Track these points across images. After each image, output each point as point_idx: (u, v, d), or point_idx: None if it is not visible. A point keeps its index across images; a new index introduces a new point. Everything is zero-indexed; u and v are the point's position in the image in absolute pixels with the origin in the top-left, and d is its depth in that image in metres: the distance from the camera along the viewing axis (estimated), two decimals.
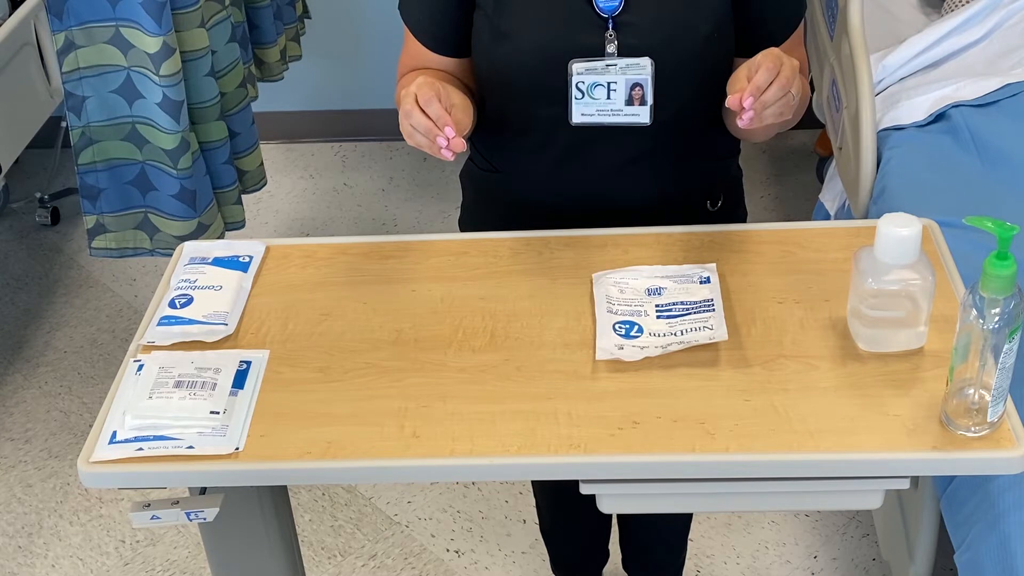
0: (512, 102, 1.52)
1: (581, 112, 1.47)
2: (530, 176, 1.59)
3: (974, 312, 1.16)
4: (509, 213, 1.63)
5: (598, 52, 1.46)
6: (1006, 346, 1.17)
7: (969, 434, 1.22)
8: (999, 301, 1.15)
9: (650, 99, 1.46)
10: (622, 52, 1.46)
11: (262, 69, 2.98)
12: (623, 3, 1.46)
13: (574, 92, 1.47)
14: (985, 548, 1.57)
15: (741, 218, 1.73)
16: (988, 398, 1.20)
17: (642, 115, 1.47)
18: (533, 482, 2.10)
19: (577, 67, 1.46)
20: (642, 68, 1.45)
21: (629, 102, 1.46)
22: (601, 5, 1.46)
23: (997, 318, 1.15)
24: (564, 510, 2.06)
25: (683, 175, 1.59)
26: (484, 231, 1.63)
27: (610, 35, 1.46)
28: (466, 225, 1.74)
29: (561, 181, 1.53)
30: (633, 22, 1.46)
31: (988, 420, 1.21)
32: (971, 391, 1.21)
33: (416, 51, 1.57)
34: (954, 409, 1.23)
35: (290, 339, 1.42)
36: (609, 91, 1.46)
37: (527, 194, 1.60)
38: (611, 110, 1.47)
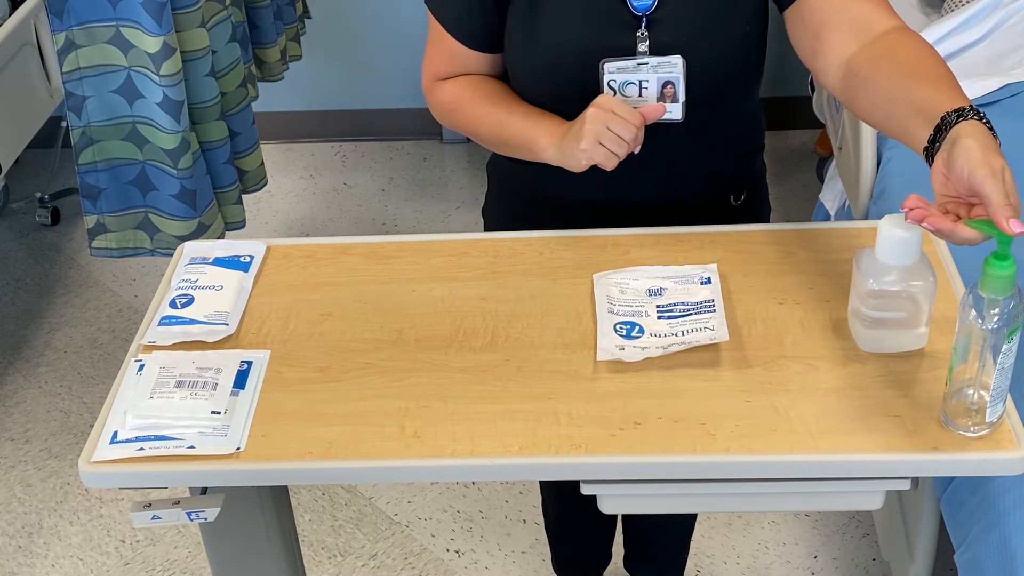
0: (543, 100, 1.52)
1: None
2: (557, 172, 1.59)
3: (973, 312, 1.16)
4: (533, 206, 1.64)
5: (630, 50, 1.46)
6: (1005, 346, 1.17)
7: (968, 434, 1.22)
8: (998, 301, 1.15)
9: (682, 96, 1.46)
10: (654, 50, 1.46)
11: (262, 69, 2.98)
12: (657, 0, 1.46)
13: (606, 90, 1.46)
14: (985, 548, 1.57)
15: (765, 213, 1.73)
16: (987, 398, 1.20)
17: (674, 112, 1.47)
18: (540, 480, 2.10)
19: (609, 66, 1.46)
20: (673, 66, 1.45)
21: (661, 100, 1.46)
22: (634, 3, 1.46)
23: (996, 318, 1.15)
24: (570, 508, 2.06)
25: (710, 171, 1.60)
26: (508, 221, 1.64)
27: (642, 33, 1.46)
28: (490, 214, 1.75)
29: (588, 177, 1.53)
30: (666, 19, 1.46)
31: (987, 420, 1.22)
32: (970, 391, 1.21)
33: (448, 47, 1.56)
34: (953, 409, 1.23)
35: (291, 339, 1.42)
36: (641, 89, 1.46)
37: (552, 189, 1.60)
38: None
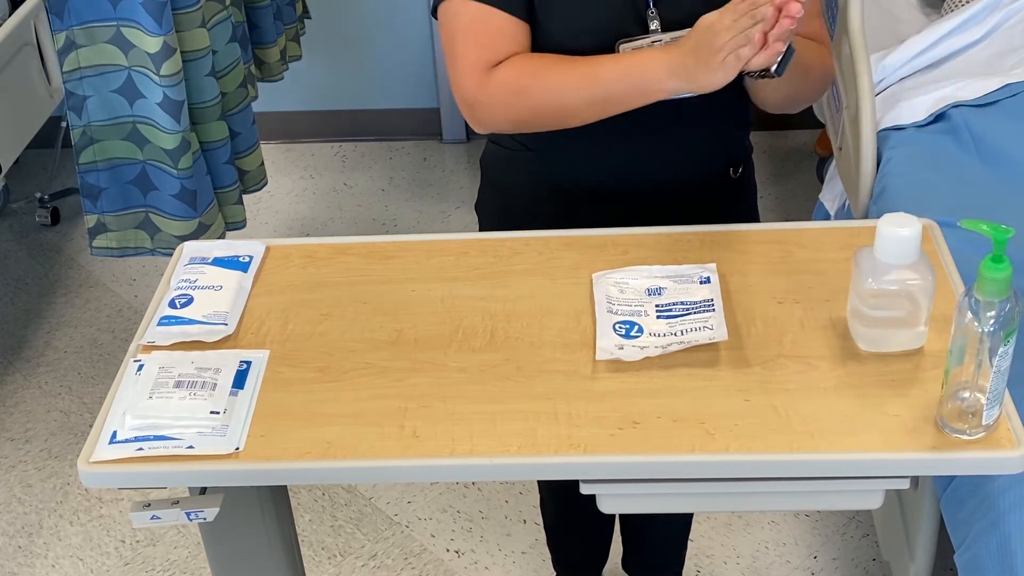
0: None
1: None
2: (566, 155, 1.59)
3: (970, 315, 1.16)
4: (535, 194, 1.64)
5: (643, 29, 1.47)
6: (1001, 349, 1.17)
7: (964, 437, 1.22)
8: (995, 304, 1.15)
9: None
10: (666, 27, 1.46)
11: (262, 69, 2.98)
12: None
13: None
14: (985, 548, 1.57)
15: (754, 187, 1.76)
16: (983, 401, 1.20)
17: None
18: (537, 480, 2.11)
19: (624, 47, 1.46)
20: None
21: None
22: None
23: (992, 321, 1.15)
24: (568, 508, 2.06)
25: (713, 145, 1.61)
26: (503, 214, 1.64)
27: (652, 12, 1.47)
28: (484, 208, 1.75)
29: (598, 159, 1.52)
30: None
31: (983, 423, 1.21)
32: (967, 394, 1.21)
33: (492, 28, 1.48)
34: (949, 412, 1.23)
35: (290, 339, 1.42)
36: None
37: (560, 173, 1.61)
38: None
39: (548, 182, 1.63)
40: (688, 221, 1.56)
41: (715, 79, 1.34)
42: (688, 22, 1.43)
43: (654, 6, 1.47)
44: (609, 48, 1.46)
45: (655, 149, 1.55)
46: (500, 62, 1.48)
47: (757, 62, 1.31)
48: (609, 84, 1.43)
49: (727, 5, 1.33)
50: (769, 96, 1.53)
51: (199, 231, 2.41)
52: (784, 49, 1.32)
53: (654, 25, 1.47)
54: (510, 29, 1.49)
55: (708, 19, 1.34)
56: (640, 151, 1.56)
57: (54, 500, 2.55)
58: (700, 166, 1.62)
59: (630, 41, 1.46)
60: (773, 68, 1.36)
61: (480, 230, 1.76)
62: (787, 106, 1.58)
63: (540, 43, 1.51)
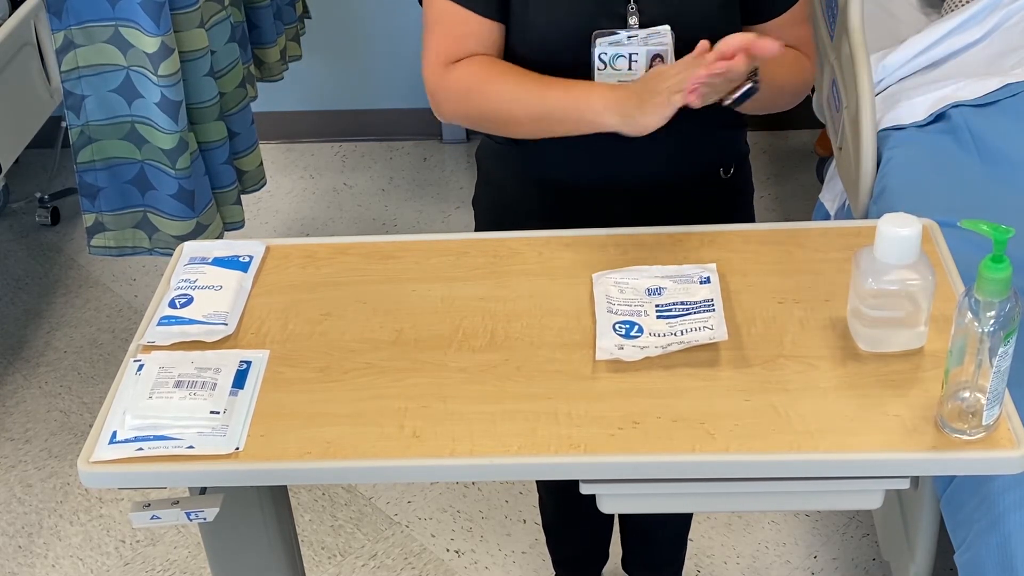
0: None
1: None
2: (549, 151, 1.59)
3: (970, 315, 1.16)
4: (524, 189, 1.64)
5: (621, 24, 1.47)
6: (1001, 349, 1.17)
7: (964, 437, 1.22)
8: (994, 304, 1.15)
9: None
10: (644, 23, 1.47)
11: (262, 69, 2.98)
12: None
13: (596, 64, 1.47)
14: (985, 548, 1.57)
15: (750, 189, 1.76)
16: (984, 401, 1.20)
17: None
18: (537, 479, 2.11)
19: (600, 40, 1.46)
20: (662, 36, 1.45)
21: None
22: None
23: (992, 321, 1.15)
24: (567, 507, 2.06)
25: (699, 143, 1.60)
26: (499, 208, 1.64)
27: (632, 8, 1.47)
28: (480, 203, 1.75)
29: (579, 155, 1.52)
30: None
31: (983, 423, 1.21)
32: (967, 394, 1.21)
33: (458, 23, 1.50)
34: (949, 413, 1.23)
35: (290, 339, 1.42)
36: (631, 62, 1.46)
37: (546, 169, 1.61)
38: (632, 80, 1.46)
39: (535, 177, 1.63)
40: (680, 220, 1.56)
41: (649, 122, 1.37)
42: (666, 18, 1.44)
43: (634, 2, 1.47)
44: (586, 41, 1.46)
45: (639, 146, 1.55)
46: (462, 59, 1.51)
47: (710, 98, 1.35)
48: (552, 107, 1.46)
49: (682, 60, 1.35)
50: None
51: (197, 231, 2.41)
52: (745, 88, 1.36)
53: (632, 20, 1.47)
54: (476, 28, 1.51)
55: (661, 68, 1.38)
56: (624, 148, 1.56)
57: (54, 500, 2.55)
58: (688, 165, 1.61)
59: (607, 35, 1.46)
60: (726, 101, 1.39)
61: (476, 226, 1.76)
62: (760, 112, 1.59)
63: (517, 37, 1.52)
